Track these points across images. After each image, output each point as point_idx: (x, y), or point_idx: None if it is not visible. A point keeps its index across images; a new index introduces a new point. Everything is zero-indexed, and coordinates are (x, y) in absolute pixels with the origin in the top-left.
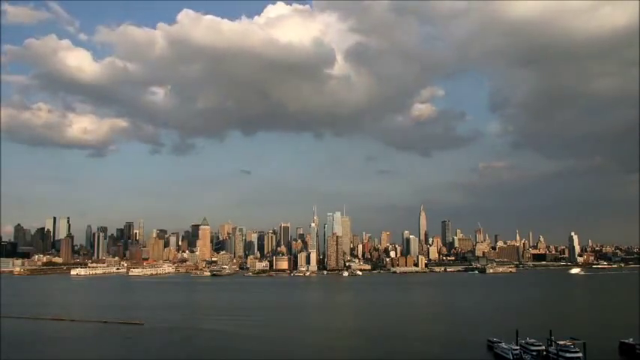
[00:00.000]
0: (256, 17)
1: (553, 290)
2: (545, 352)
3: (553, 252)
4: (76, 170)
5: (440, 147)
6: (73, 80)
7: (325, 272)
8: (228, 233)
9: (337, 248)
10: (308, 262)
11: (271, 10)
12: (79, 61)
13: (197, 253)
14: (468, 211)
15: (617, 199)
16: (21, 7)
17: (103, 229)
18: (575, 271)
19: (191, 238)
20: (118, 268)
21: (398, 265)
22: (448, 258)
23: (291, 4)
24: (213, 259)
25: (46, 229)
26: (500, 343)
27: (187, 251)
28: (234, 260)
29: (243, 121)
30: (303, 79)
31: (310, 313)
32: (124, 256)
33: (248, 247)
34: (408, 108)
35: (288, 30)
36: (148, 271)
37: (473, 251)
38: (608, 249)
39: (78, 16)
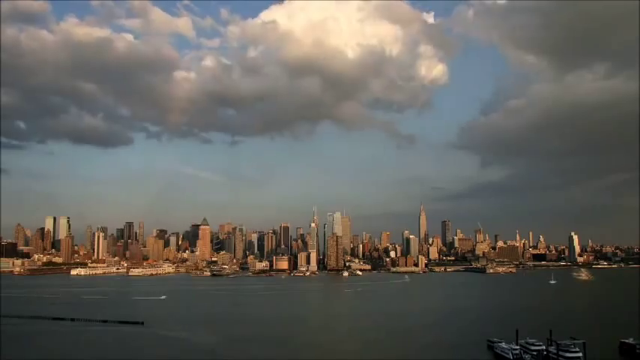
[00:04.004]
0: None
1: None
2: (545, 352)
3: (553, 252)
4: (77, 169)
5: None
6: None
7: (326, 272)
8: (228, 233)
9: (337, 248)
10: (308, 262)
11: None
12: None
13: (197, 253)
14: (468, 211)
15: (617, 200)
16: None
17: (103, 229)
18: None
19: (191, 238)
20: (118, 268)
21: (398, 265)
22: (448, 258)
23: None
24: (213, 259)
25: (46, 229)
26: (500, 343)
27: (187, 251)
28: (235, 260)
29: None
30: None
31: (310, 311)
32: (124, 256)
33: (248, 247)
34: None
35: None
36: (148, 271)
37: (473, 251)
38: (608, 249)
39: None
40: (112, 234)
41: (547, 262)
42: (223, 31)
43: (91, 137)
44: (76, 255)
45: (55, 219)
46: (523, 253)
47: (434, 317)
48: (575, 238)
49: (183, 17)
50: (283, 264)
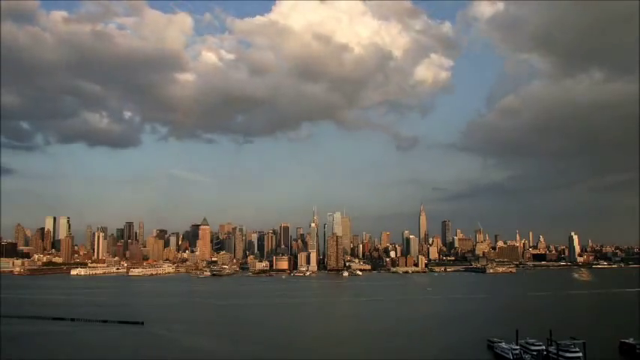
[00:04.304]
0: None
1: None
2: (545, 352)
3: (553, 252)
4: (76, 169)
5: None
6: None
7: (326, 272)
8: (228, 233)
9: (337, 248)
10: (308, 262)
11: None
12: None
13: (197, 253)
14: (468, 211)
15: (617, 200)
16: None
17: (103, 229)
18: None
19: (191, 238)
20: (118, 268)
21: (398, 265)
22: (448, 258)
23: None
24: (213, 259)
25: (46, 229)
26: (500, 343)
27: (187, 251)
28: (235, 260)
29: None
30: None
31: (312, 308)
32: (124, 256)
33: (248, 247)
34: None
35: None
36: (148, 271)
37: (473, 251)
38: (608, 249)
39: None
40: (112, 234)
41: (547, 262)
42: (224, 31)
43: (96, 138)
44: (76, 255)
45: (55, 219)
46: (523, 253)
47: (434, 317)
48: (575, 238)
49: (181, 15)
50: (283, 264)
